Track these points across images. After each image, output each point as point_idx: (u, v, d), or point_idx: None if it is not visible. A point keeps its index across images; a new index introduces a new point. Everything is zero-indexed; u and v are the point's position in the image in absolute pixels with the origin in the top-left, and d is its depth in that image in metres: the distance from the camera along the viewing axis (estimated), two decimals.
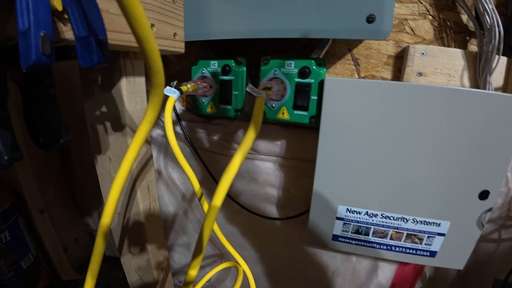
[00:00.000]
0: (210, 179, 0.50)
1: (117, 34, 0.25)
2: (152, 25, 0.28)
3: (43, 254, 0.60)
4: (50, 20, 0.18)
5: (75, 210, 0.75)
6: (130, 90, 0.31)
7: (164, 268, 0.42)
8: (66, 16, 0.21)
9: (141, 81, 0.32)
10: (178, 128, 0.50)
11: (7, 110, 0.24)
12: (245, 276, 0.44)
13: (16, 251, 0.53)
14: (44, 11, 0.18)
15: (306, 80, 0.36)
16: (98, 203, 0.73)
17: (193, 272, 0.26)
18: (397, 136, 0.34)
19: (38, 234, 0.58)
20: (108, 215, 0.24)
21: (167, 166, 0.54)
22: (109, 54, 0.20)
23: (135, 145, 0.23)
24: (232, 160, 0.24)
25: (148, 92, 0.33)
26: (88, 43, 0.19)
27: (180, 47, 0.34)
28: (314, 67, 0.35)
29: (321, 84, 0.36)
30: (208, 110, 0.42)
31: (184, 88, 0.35)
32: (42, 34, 0.17)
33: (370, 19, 0.30)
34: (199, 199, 0.37)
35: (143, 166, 0.35)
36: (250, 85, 0.29)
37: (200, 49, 0.46)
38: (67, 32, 0.21)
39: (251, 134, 0.25)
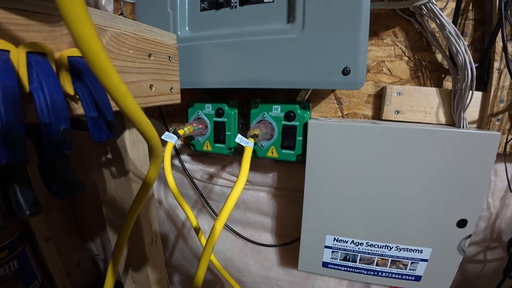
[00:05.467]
0: (206, 207, 0.53)
1: None
2: (151, 86, 0.32)
3: (48, 281, 0.62)
4: (67, 113, 0.21)
5: (77, 236, 0.77)
6: (132, 139, 0.34)
7: None
8: (77, 97, 0.25)
9: None
10: (177, 162, 0.53)
11: (27, 171, 0.27)
12: None
13: (24, 278, 0.56)
14: (62, 108, 0.21)
15: (292, 123, 0.39)
16: (100, 229, 0.75)
17: None
18: (378, 171, 0.37)
19: (43, 262, 0.60)
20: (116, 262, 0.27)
21: (167, 196, 0.57)
22: (116, 130, 0.23)
23: (139, 198, 0.26)
24: (224, 207, 0.27)
25: None
26: (98, 123, 0.23)
27: (176, 99, 0.37)
28: (298, 112, 0.39)
29: (305, 126, 0.39)
30: (204, 148, 0.45)
31: (181, 131, 0.39)
32: (62, 129, 0.20)
33: (345, 72, 0.34)
34: (197, 234, 0.39)
35: (145, 206, 0.38)
36: (239, 135, 0.32)
37: (195, 90, 0.50)
38: (79, 109, 0.25)
39: (240, 183, 0.28)
